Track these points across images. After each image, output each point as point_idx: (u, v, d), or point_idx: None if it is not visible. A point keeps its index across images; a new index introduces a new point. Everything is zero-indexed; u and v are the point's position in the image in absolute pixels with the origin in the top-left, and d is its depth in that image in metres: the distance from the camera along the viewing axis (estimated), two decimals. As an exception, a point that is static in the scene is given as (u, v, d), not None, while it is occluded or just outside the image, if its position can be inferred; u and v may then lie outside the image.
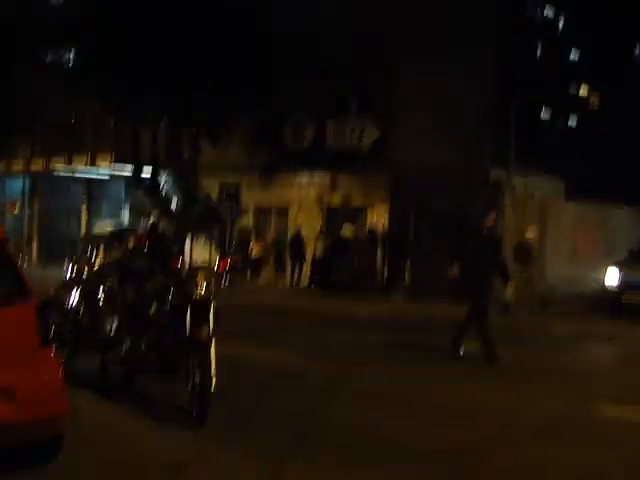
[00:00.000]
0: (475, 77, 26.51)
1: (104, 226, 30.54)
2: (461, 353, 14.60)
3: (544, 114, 31.07)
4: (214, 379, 9.22)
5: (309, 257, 29.95)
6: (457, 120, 26.52)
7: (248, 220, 32.01)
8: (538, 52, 30.02)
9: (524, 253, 23.70)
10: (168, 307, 9.97)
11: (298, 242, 30.17)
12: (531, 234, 24.64)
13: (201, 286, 9.60)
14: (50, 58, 30.13)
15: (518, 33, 28.46)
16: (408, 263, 28.06)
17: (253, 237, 31.43)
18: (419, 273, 27.60)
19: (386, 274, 28.30)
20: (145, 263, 11.16)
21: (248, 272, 30.60)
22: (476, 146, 26.44)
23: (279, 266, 31.30)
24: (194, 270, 9.98)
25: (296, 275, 30.50)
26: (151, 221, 25.91)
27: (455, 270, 14.23)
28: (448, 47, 26.76)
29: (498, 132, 27.05)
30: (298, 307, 23.77)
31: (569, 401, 11.50)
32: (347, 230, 28.52)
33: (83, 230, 37.57)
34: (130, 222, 35.05)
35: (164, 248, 11.92)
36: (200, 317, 9.48)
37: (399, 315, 22.56)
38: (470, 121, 26.54)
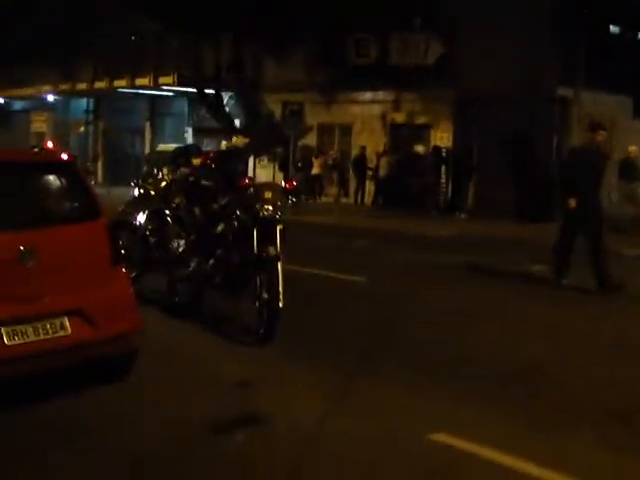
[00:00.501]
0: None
1: (167, 148, 30.64)
2: (564, 282, 13.81)
3: (613, 28, 30.12)
4: (281, 297, 9.22)
5: (370, 175, 29.85)
6: (522, 36, 25.86)
7: (312, 138, 31.87)
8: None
9: (629, 169, 23.25)
10: (235, 225, 9.96)
11: (362, 160, 30.05)
12: (635, 150, 23.99)
13: (268, 204, 9.55)
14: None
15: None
16: (472, 182, 27.76)
17: (315, 155, 31.31)
18: (483, 193, 27.31)
19: (450, 193, 28.05)
20: (212, 181, 11.11)
21: (311, 190, 30.52)
22: (542, 63, 25.83)
23: (342, 184, 31.25)
24: (261, 188, 9.91)
25: (360, 193, 30.43)
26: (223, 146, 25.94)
27: (573, 203, 13.27)
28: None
29: (565, 48, 26.33)
30: (363, 226, 23.75)
31: None
32: (419, 147, 28.28)
33: (147, 149, 37.77)
34: (194, 140, 35.15)
35: (231, 166, 11.85)
36: (267, 235, 9.47)
37: (464, 234, 22.37)
38: (535, 37, 25.86)
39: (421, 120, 29.28)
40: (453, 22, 27.00)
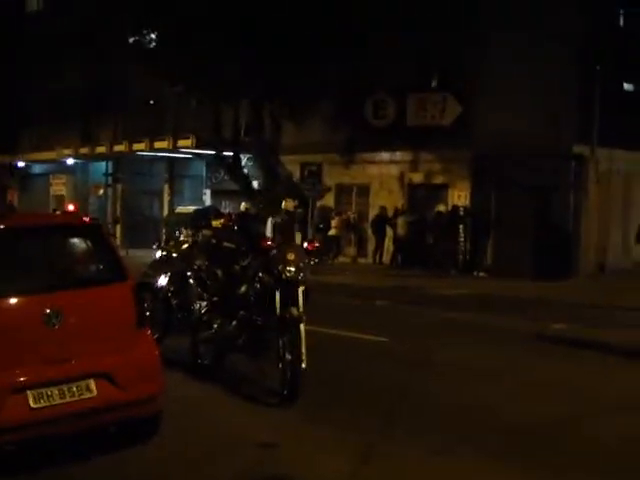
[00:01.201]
0: (558, 46, 25.98)
1: (186, 210, 30.86)
2: None
3: (627, 85, 30.23)
4: (304, 358, 9.24)
5: (391, 235, 29.91)
6: (539, 93, 26.07)
7: (330, 199, 32.01)
8: (621, 20, 29.19)
9: None
10: (258, 287, 10.01)
11: (382, 220, 30.12)
12: None
13: (291, 265, 9.62)
14: (132, 40, 30.36)
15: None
16: (490, 241, 27.78)
17: (333, 215, 31.42)
18: (501, 251, 27.32)
19: (469, 253, 28.07)
20: (234, 242, 11.20)
21: (330, 251, 30.59)
22: (559, 120, 25.96)
23: (360, 244, 31.33)
24: (284, 249, 9.99)
25: (379, 253, 30.48)
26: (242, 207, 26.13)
27: None
28: (529, 16, 26.27)
29: (581, 104, 26.46)
30: (382, 286, 23.76)
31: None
32: (441, 207, 28.38)
33: (165, 211, 37.98)
34: (212, 202, 35.35)
35: (253, 227, 11.96)
36: (290, 297, 9.53)
37: (483, 293, 22.35)
38: (552, 93, 26.06)
39: (438, 180, 29.44)
40: (470, 81, 27.26)
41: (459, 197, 28.63)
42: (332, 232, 30.85)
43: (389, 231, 30.08)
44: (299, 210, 27.32)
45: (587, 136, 26.69)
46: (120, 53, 31.31)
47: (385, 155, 30.58)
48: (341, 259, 31.06)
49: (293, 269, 9.62)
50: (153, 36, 29.85)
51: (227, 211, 27.40)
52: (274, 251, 9.98)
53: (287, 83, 27.35)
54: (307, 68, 26.70)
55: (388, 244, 30.31)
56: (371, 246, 31.01)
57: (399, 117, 29.10)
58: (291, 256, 9.69)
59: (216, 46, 26.29)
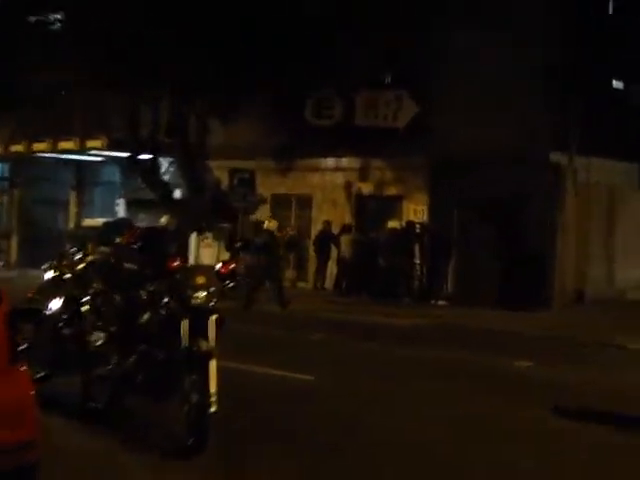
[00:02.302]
0: (531, 41, 26.17)
1: (94, 223, 30.63)
2: None
3: (616, 83, 30.53)
4: (214, 400, 9.20)
5: (335, 255, 29.94)
6: (509, 94, 26.15)
7: (264, 212, 31.93)
8: (610, 8, 29.43)
9: None
10: (162, 315, 9.95)
11: (325, 238, 30.06)
12: None
13: (200, 290, 9.58)
14: (34, 20, 30.16)
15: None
16: (451, 264, 27.94)
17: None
18: (464, 276, 27.49)
19: (426, 277, 28.18)
20: (137, 263, 11.11)
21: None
22: (532, 123, 26.13)
23: (300, 266, 31.30)
24: (193, 272, 9.95)
25: (321, 277, 30.47)
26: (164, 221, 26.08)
27: None
28: (498, 12, 26.37)
29: (559, 106, 26.66)
30: (322, 315, 23.76)
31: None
32: (393, 223, 28.34)
33: (71, 224, 37.67)
34: (126, 214, 35.12)
35: (160, 245, 11.87)
36: (199, 327, 9.48)
37: (440, 324, 22.47)
38: (525, 95, 26.21)
39: (392, 191, 29.61)
40: (429, 79, 27.39)
41: (415, 212, 28.78)
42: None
43: (334, 251, 30.12)
44: (225, 226, 27.24)
45: (565, 143, 26.96)
46: (19, 35, 31.01)
47: (329, 161, 30.71)
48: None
49: (203, 294, 9.59)
50: (59, 16, 29.70)
51: (143, 225, 27.24)
52: (181, 273, 9.93)
53: (216, 75, 27.27)
54: (239, 58, 26.65)
55: (332, 266, 30.33)
56: (312, 268, 30.99)
57: (346, 118, 29.24)
58: (201, 279, 9.66)
59: (134, 26, 26.09)
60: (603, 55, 27.15)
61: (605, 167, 28.62)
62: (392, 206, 29.51)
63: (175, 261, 10.54)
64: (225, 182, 30.72)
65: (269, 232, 25.85)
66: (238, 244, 26.79)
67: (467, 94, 26.38)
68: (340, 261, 29.83)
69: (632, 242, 29.22)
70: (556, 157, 27.18)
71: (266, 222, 26.23)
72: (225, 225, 27.51)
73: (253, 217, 30.37)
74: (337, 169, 30.73)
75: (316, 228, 30.91)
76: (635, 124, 28.83)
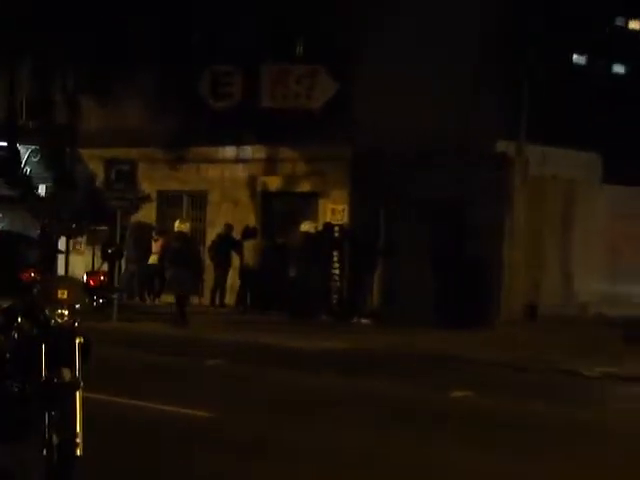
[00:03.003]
0: (473, 6, 26.39)
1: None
2: None
3: (578, 58, 30.97)
4: (80, 442, 9.18)
5: (236, 265, 29.95)
6: (448, 73, 26.36)
7: (150, 213, 31.81)
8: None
9: None
10: (15, 338, 9.90)
11: (225, 244, 30.01)
12: None
13: (62, 308, 9.54)
14: None
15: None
16: (377, 274, 28.10)
17: (154, 236, 31.19)
18: (392, 288, 27.66)
19: (347, 290, 28.30)
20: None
21: (149, 287, 30.50)
22: (475, 109, 26.38)
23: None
24: (52, 285, 9.90)
25: (219, 291, 30.44)
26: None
27: None
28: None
29: (507, 87, 26.96)
30: (218, 338, 23.78)
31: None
32: (306, 226, 28.35)
33: None
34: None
35: (12, 253, 11.83)
36: (61, 352, 9.43)
37: (360, 348, 22.59)
38: (466, 74, 26.45)
39: (305, 187, 29.72)
40: (349, 50, 27.51)
41: (334, 212, 28.85)
42: (152, 260, 30.69)
43: (235, 259, 30.13)
44: (101, 228, 27.08)
45: (513, 129, 27.26)
46: None
47: (229, 151, 30.78)
48: (164, 299, 30.86)
49: (65, 312, 9.53)
50: None
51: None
52: (38, 287, 9.89)
53: (88, 43, 27.17)
54: (118, 24, 26.58)
55: (233, 278, 30.31)
56: (209, 280, 30.93)
57: (249, 97, 29.28)
58: (62, 294, 9.59)
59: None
60: (562, 24, 27.51)
61: (563, 158, 28.99)
62: (305, 205, 29.74)
63: (30, 272, 10.50)
64: (101, 175, 30.54)
65: (183, 235, 25.77)
66: (110, 250, 26.73)
67: (398, 72, 26.45)
68: (243, 272, 29.83)
69: (594, 247, 29.62)
70: (503, 146, 27.50)
71: (177, 223, 26.08)
72: (101, 228, 27.33)
73: (135, 218, 30.32)
74: (238, 160, 30.78)
75: (213, 232, 30.84)
76: (598, 106, 29.26)
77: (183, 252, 25.56)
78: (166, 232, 31.25)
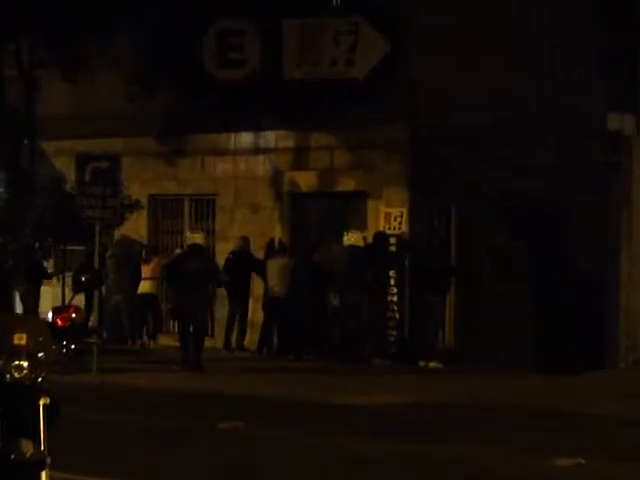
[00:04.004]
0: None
1: None
2: None
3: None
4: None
5: (258, 293, 29.97)
6: (535, 33, 26.43)
7: (140, 224, 31.93)
8: None
9: None
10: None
11: (241, 264, 29.97)
12: None
13: (20, 358, 9.45)
14: None
15: None
16: (449, 300, 28.08)
17: (144, 256, 31.18)
18: (472, 319, 27.59)
19: (408, 324, 28.27)
20: None
21: (136, 325, 30.61)
22: (572, 78, 26.39)
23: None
24: (7, 326, 9.83)
25: (236, 330, 30.42)
26: None
27: None
28: None
29: (614, 50, 26.96)
30: (233, 391, 23.73)
31: None
32: (351, 238, 28.27)
33: None
34: None
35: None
36: (19, 418, 9.37)
37: (432, 403, 22.52)
38: (557, 34, 26.50)
39: (348, 185, 29.64)
40: (403, 12, 27.52)
41: (388, 218, 28.80)
42: (144, 289, 30.69)
43: (256, 285, 30.13)
44: (77, 248, 27.19)
45: (626, 102, 27.16)
46: None
47: (244, 138, 30.72)
48: (164, 341, 30.92)
49: (24, 364, 9.45)
50: None
51: None
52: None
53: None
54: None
55: (255, 311, 30.29)
56: (222, 313, 30.89)
57: (269, 64, 29.25)
58: (20, 339, 9.52)
59: None
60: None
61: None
62: (349, 210, 29.70)
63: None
64: (71, 176, 30.54)
65: (198, 249, 25.91)
66: (84, 277, 26.69)
67: (472, 25, 26.53)
68: (267, 302, 29.82)
69: None
70: (613, 122, 27.27)
71: (188, 234, 26.21)
72: (73, 247, 27.38)
73: (119, 233, 30.41)
74: (257, 151, 30.77)
75: (225, 249, 30.84)
76: None
77: (200, 272, 25.49)
78: (161, 251, 31.33)
